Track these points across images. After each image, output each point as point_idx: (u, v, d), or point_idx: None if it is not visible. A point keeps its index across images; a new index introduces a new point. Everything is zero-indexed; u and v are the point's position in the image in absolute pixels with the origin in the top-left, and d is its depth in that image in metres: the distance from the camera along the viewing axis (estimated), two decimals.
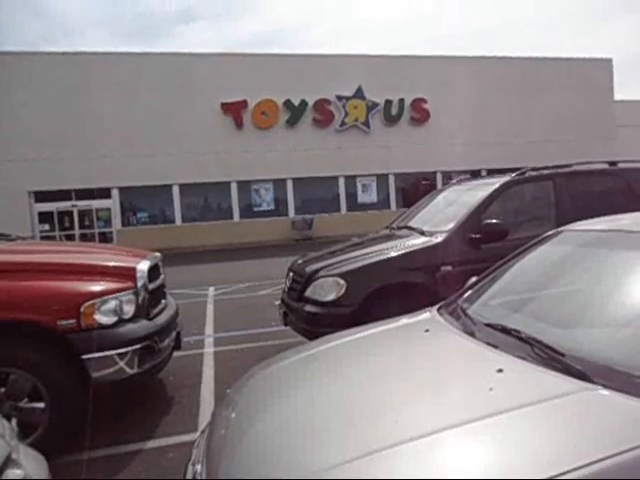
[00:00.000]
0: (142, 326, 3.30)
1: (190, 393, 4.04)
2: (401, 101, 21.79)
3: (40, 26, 53.03)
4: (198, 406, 3.74)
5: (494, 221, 4.00)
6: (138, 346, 3.18)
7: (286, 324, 4.47)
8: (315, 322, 3.90)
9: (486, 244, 4.05)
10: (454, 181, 5.76)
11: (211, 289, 9.42)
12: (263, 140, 20.55)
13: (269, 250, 17.40)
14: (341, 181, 21.80)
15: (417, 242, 4.13)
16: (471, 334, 2.02)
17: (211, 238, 19.61)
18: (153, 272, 3.71)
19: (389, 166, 21.96)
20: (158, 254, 4.09)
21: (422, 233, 4.32)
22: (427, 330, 2.17)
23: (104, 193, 19.73)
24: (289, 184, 21.27)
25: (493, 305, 2.39)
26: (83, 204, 19.76)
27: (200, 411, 3.65)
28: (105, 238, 20.09)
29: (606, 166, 4.82)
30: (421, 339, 2.11)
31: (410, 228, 4.65)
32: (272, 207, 21.29)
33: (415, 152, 22.02)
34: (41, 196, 19.16)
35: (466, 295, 2.61)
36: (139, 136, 19.32)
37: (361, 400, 1.64)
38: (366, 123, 21.61)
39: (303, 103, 20.83)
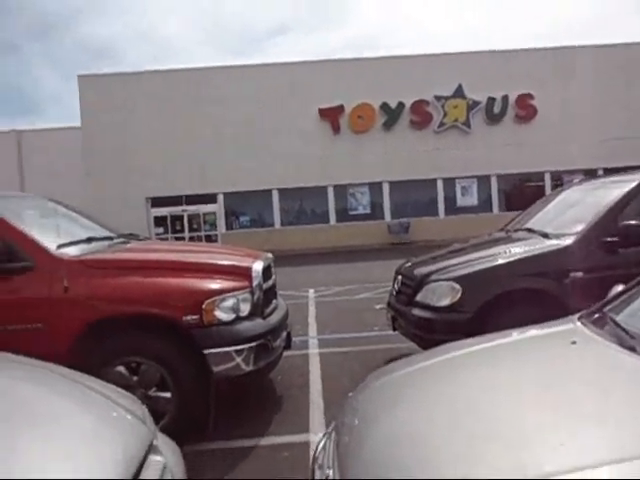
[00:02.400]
0: (257, 324, 3.37)
1: (299, 393, 4.06)
2: (505, 98, 20.60)
3: (151, 48, 58.39)
4: (307, 407, 3.75)
5: (634, 222, 3.53)
6: (254, 344, 3.26)
7: (395, 329, 4.34)
8: (427, 328, 3.73)
9: (624, 248, 3.60)
10: (576, 180, 5.24)
11: (311, 291, 9.55)
12: (360, 144, 20.59)
13: (365, 254, 17.32)
14: (439, 184, 21.12)
15: (541, 245, 3.78)
16: (631, 348, 1.76)
17: (308, 241, 20.02)
18: (266, 272, 3.79)
19: (491, 167, 20.84)
20: (270, 255, 4.18)
21: (545, 236, 3.95)
22: (574, 342, 1.93)
23: (211, 198, 21.04)
24: (385, 187, 21.06)
25: None
26: (192, 209, 21.25)
27: (310, 412, 3.64)
28: (210, 241, 21.37)
29: None
30: (568, 352, 1.88)
31: (530, 230, 4.29)
32: (368, 211, 21.22)
33: (520, 152, 20.66)
34: (156, 202, 20.92)
35: (613, 304, 2.31)
36: (242, 144, 20.34)
37: (501, 417, 1.48)
38: (466, 123, 20.73)
39: (400, 105, 20.54)
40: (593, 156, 20.52)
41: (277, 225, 21.28)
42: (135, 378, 3.14)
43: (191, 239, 21.35)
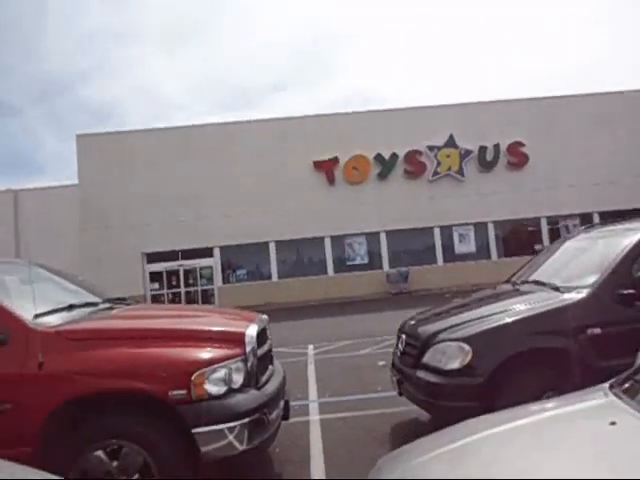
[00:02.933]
0: (252, 396, 3.08)
1: (299, 470, 3.70)
2: (496, 146, 20.97)
3: (151, 107, 60.23)
4: None
5: None
6: (247, 419, 2.95)
7: (400, 393, 4.02)
8: (437, 394, 3.43)
9: None
10: (582, 228, 5.09)
11: (310, 347, 9.18)
12: (355, 194, 20.71)
13: (365, 305, 16.97)
14: (436, 232, 21.07)
15: (554, 300, 3.56)
16: None
17: (306, 293, 19.69)
18: (261, 336, 3.53)
19: (487, 214, 20.89)
20: (265, 316, 3.93)
21: (556, 289, 3.74)
22: (613, 423, 1.67)
23: (207, 252, 20.86)
24: (382, 237, 20.97)
25: None
26: (188, 263, 21.01)
27: None
28: (207, 295, 21.02)
29: None
30: (609, 436, 1.61)
31: (539, 283, 4.07)
32: (366, 261, 21.02)
33: (515, 198, 20.79)
34: (152, 257, 20.71)
35: None
36: (238, 197, 20.43)
37: None
38: (460, 171, 20.98)
39: (394, 156, 20.84)
40: (587, 200, 20.67)
41: (274, 277, 21.00)
42: (115, 463, 2.81)
43: (187, 294, 21.01)
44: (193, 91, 60.59)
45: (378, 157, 20.88)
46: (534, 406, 2.12)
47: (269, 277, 21.04)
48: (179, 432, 2.85)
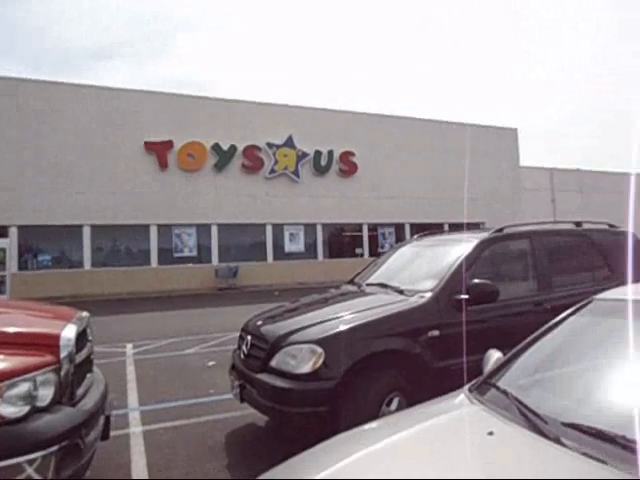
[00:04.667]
0: (64, 416, 2.42)
1: None
2: (330, 153, 22.10)
3: None
4: None
5: (484, 281, 3.66)
6: (56, 447, 2.31)
7: (242, 399, 3.70)
8: (286, 400, 3.21)
9: (473, 306, 3.69)
10: (415, 236, 5.48)
11: (129, 346, 8.22)
12: (188, 183, 19.60)
13: (191, 300, 16.15)
14: (268, 229, 21.24)
15: (400, 303, 3.66)
16: (556, 440, 1.53)
17: (126, 285, 17.89)
18: (80, 339, 2.85)
19: (317, 216, 21.86)
20: (85, 313, 3.22)
21: (400, 292, 3.87)
22: (491, 433, 1.63)
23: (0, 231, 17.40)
24: (214, 230, 20.27)
25: (544, 389, 1.92)
26: None
27: None
28: None
29: (573, 226, 4.80)
30: (495, 451, 1.56)
31: (383, 285, 4.19)
32: (194, 253, 20.05)
33: (343, 203, 22.23)
34: None
35: (499, 374, 2.14)
36: (49, 169, 17.51)
37: None
38: (296, 172, 21.53)
39: (232, 148, 20.33)
40: (399, 212, 23.23)
41: (87, 266, 18.55)
42: None
43: None
44: (10, 45, 50.57)
45: (216, 147, 20.13)
46: (398, 417, 2.03)
47: (80, 265, 18.52)
48: None
